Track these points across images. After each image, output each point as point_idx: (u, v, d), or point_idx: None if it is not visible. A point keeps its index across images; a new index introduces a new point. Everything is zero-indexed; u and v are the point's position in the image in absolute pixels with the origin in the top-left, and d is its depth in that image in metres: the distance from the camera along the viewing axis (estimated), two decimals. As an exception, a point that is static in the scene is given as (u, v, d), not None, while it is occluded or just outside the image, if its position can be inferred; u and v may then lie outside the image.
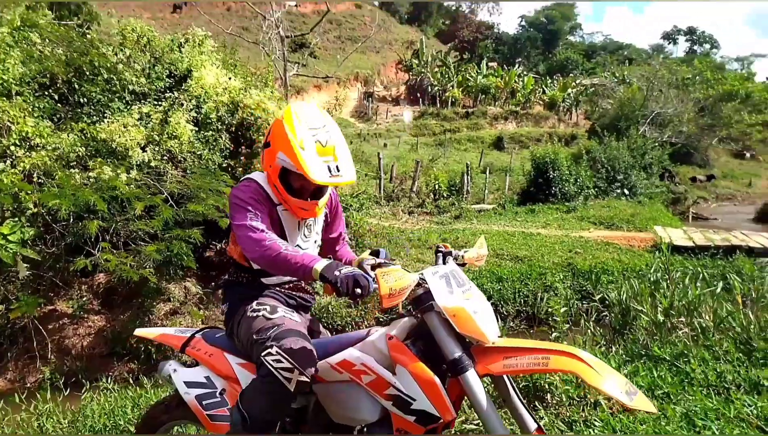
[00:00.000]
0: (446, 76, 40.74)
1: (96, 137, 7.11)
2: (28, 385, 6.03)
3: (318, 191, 2.30)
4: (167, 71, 8.80)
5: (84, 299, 7.07)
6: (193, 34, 9.81)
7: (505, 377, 1.96)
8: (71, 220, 6.22)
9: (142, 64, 8.59)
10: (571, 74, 46.45)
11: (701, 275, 6.39)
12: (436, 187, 16.39)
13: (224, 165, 8.19)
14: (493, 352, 1.89)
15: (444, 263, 2.23)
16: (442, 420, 1.88)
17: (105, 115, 7.85)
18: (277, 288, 2.37)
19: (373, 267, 1.93)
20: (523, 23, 66.68)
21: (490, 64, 46.69)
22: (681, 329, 4.99)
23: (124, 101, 8.23)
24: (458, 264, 2.28)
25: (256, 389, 2.02)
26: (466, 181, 16.73)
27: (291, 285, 2.39)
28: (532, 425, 1.92)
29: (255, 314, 2.18)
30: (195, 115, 8.22)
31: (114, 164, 6.63)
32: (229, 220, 2.51)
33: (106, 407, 4.54)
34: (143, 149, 7.33)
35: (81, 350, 6.58)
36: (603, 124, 24.05)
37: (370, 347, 2.03)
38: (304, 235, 2.37)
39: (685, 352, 4.43)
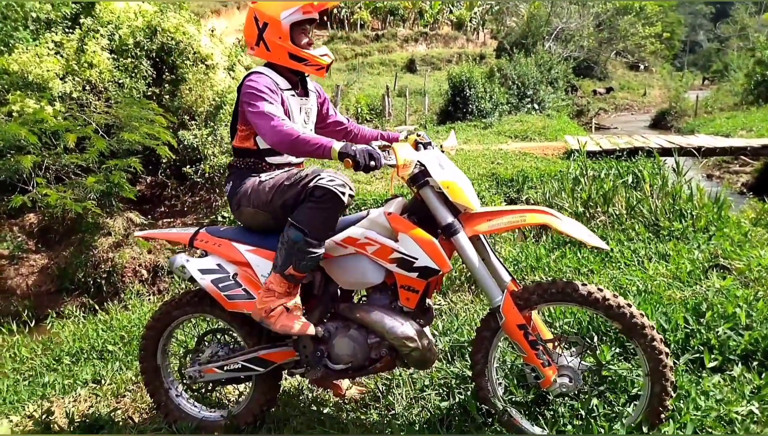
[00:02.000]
0: (353, -3, 39.65)
1: (8, 70, 6.68)
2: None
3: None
4: (72, -4, 8.24)
5: (19, 239, 6.84)
6: (94, -46, 9.13)
7: (482, 239, 2.33)
8: (-3, 157, 5.95)
9: (42, -11, 7.97)
10: (476, -7, 46.51)
11: (613, 171, 7.12)
12: (359, 110, 16.48)
13: (149, 93, 7.93)
14: (478, 217, 2.26)
15: (425, 149, 2.52)
16: (441, 272, 2.24)
17: (10, 45, 7.33)
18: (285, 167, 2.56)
19: (381, 148, 2.20)
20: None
21: (396, -17, 45.80)
22: (599, 217, 5.65)
23: (29, 30, 7.69)
24: None
25: (311, 209, 2.25)
26: (387, 103, 16.91)
27: (293, 166, 2.60)
28: (507, 277, 2.33)
29: (270, 177, 2.43)
30: (110, 42, 7.83)
31: (35, 97, 6.30)
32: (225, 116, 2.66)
33: (77, 332, 4.64)
34: (62, 80, 6.97)
35: (27, 289, 6.46)
36: (510, 41, 24.68)
37: (371, 223, 2.34)
38: (304, 121, 2.60)
39: (604, 236, 5.09)
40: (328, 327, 2.42)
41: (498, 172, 9.92)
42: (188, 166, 8.00)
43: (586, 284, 2.16)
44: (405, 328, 2.27)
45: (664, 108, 25.24)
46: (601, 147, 10.96)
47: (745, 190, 10.85)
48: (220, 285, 2.47)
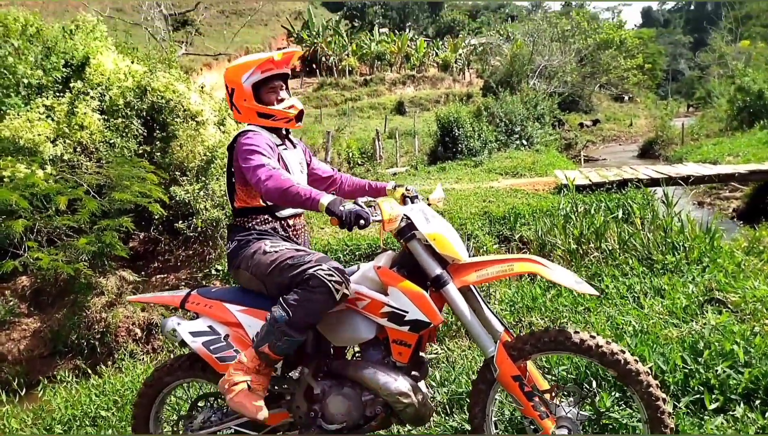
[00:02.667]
0: (340, 44, 40.58)
1: (0, 136, 6.74)
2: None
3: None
4: (63, 61, 8.39)
5: (11, 303, 6.78)
6: (83, 19, 9.35)
7: (474, 290, 2.33)
8: (-12, 223, 5.94)
9: (34, 56, 8.12)
10: (459, 35, 47.69)
11: (603, 205, 7.17)
12: (350, 155, 16.66)
13: (140, 152, 7.99)
14: (466, 267, 2.26)
15: (412, 203, 2.59)
16: (432, 324, 2.23)
17: (1, 112, 7.42)
18: (283, 222, 2.58)
19: (367, 203, 2.21)
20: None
21: (381, 30, 46.95)
22: (592, 254, 5.65)
23: (20, 96, 7.80)
24: None
25: (302, 296, 2.24)
26: (377, 146, 17.11)
27: (294, 223, 2.62)
28: (500, 327, 2.31)
29: (275, 249, 2.40)
30: (100, 103, 7.94)
31: (26, 162, 6.34)
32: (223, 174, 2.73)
33: (70, 399, 4.54)
34: (53, 143, 7.03)
35: (18, 354, 6.36)
36: (496, 80, 25.17)
37: (361, 277, 2.36)
38: (300, 171, 2.66)
39: (598, 272, 5.09)
40: (322, 386, 2.38)
41: (490, 210, 9.95)
42: (180, 222, 8.00)
43: (578, 332, 2.15)
44: (399, 384, 2.24)
45: (651, 137, 25.64)
46: (590, 180, 11.06)
47: (735, 217, 10.93)
48: (211, 347, 2.44)
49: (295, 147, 2.71)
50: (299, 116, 2.61)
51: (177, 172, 8.18)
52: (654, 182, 10.07)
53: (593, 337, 2.13)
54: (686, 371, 2.72)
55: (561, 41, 28.55)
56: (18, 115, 7.06)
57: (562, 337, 2.15)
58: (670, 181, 9.88)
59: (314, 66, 40.60)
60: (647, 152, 24.32)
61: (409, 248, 2.29)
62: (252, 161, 2.36)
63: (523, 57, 26.06)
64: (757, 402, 2.50)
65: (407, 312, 2.21)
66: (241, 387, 2.27)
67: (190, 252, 8.38)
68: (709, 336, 2.98)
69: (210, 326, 2.49)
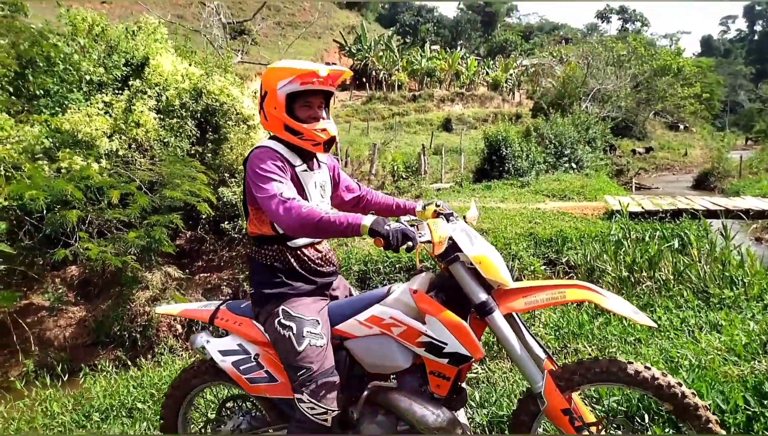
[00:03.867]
0: (391, 60, 40.94)
1: (60, 128, 7.00)
2: (12, 379, 5.96)
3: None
4: (123, 60, 8.69)
5: (60, 291, 6.99)
6: (146, 21, 9.68)
7: (516, 316, 2.19)
8: (45, 212, 6.14)
9: (97, 54, 8.45)
10: (511, 55, 47.51)
11: (658, 233, 6.90)
12: (395, 168, 16.63)
13: (192, 151, 8.18)
14: (513, 293, 2.12)
15: (449, 222, 2.39)
16: (473, 359, 2.10)
17: (64, 106, 7.72)
18: (298, 253, 2.36)
19: (410, 223, 2.06)
20: (462, 6, 67.51)
21: (433, 47, 47.26)
22: (644, 283, 5.42)
23: (82, 92, 8.10)
24: None
25: (299, 429, 2.19)
26: (423, 161, 17.06)
27: (309, 254, 2.38)
28: (542, 355, 2.18)
29: (284, 333, 2.23)
30: (157, 103, 8.17)
31: (83, 155, 6.56)
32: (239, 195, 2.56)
33: (108, 388, 4.62)
34: (109, 138, 7.26)
35: (63, 341, 6.54)
36: (547, 101, 24.83)
37: (396, 301, 2.21)
38: (321, 195, 2.41)
39: (650, 302, 4.86)
40: (355, 412, 2.27)
41: (536, 232, 9.73)
42: (226, 222, 8.12)
43: (632, 363, 2.01)
44: (437, 418, 2.13)
45: (707, 168, 24.72)
46: (643, 208, 10.69)
47: (797, 255, 10.36)
48: (241, 368, 2.37)
49: (319, 167, 2.45)
50: (329, 142, 2.29)
51: (226, 174, 8.34)
52: (710, 214, 9.64)
53: (648, 368, 1.99)
54: (749, 412, 2.54)
55: (616, 66, 28.01)
56: (78, 109, 7.32)
57: (614, 368, 2.01)
58: (728, 213, 9.44)
59: (364, 79, 41.05)
60: (702, 184, 23.45)
61: (450, 271, 2.15)
62: (265, 191, 2.11)
63: (577, 79, 25.66)
64: (828, 453, 2.31)
65: (446, 344, 2.08)
66: None
67: (234, 253, 8.47)
68: (776, 377, 2.79)
69: (239, 345, 2.41)
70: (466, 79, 41.04)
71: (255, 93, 10.02)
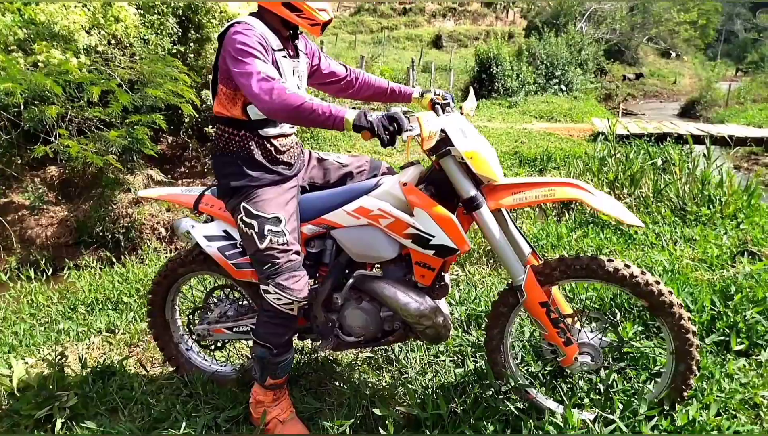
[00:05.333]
0: (382, -32, 39.10)
1: (35, 19, 6.64)
2: (-5, 273, 5.99)
3: None
4: (100, -51, 8.16)
5: (40, 191, 6.90)
6: None
7: (504, 211, 2.20)
8: (22, 107, 5.95)
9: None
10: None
11: (642, 152, 6.94)
12: (384, 81, 16.27)
13: (174, 51, 7.86)
14: (502, 189, 2.11)
15: (444, 113, 2.35)
16: (458, 251, 2.12)
17: (38, -5, 7.30)
18: (266, 143, 2.27)
19: (404, 114, 1.97)
20: None
21: (427, -44, 45.01)
22: (624, 199, 5.52)
23: (56, -19, 7.64)
24: None
25: (265, 323, 2.24)
26: (411, 77, 16.69)
27: (279, 144, 2.29)
28: (527, 250, 2.23)
29: (246, 230, 2.20)
30: (137, -3, 7.77)
31: (61, 48, 6.27)
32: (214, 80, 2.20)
33: (93, 283, 4.67)
34: (88, 33, 6.92)
35: (45, 240, 6.53)
36: (542, 20, 24.15)
37: (384, 193, 2.18)
38: (297, 85, 2.30)
39: (632, 217, 4.97)
40: (341, 297, 2.32)
41: (521, 151, 9.78)
42: (210, 127, 7.96)
43: (612, 260, 2.06)
44: (420, 305, 2.17)
45: (694, 97, 24.59)
46: (629, 131, 10.75)
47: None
48: (227, 253, 2.36)
49: (298, 56, 2.31)
50: (325, 25, 2.18)
51: (209, 76, 8.05)
52: (695, 140, 9.69)
53: (627, 266, 2.04)
54: (714, 312, 2.67)
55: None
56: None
57: (594, 264, 2.05)
58: (712, 139, 9.52)
59: (353, -12, 39.30)
60: (688, 112, 23.39)
61: (441, 165, 2.12)
62: (246, 66, 1.97)
63: (573, -3, 24.88)
64: (783, 350, 2.46)
65: (433, 236, 2.08)
66: (274, 424, 2.32)
67: (217, 159, 8.39)
68: (742, 282, 2.92)
69: (225, 231, 2.40)
70: (460, -8, 39.54)
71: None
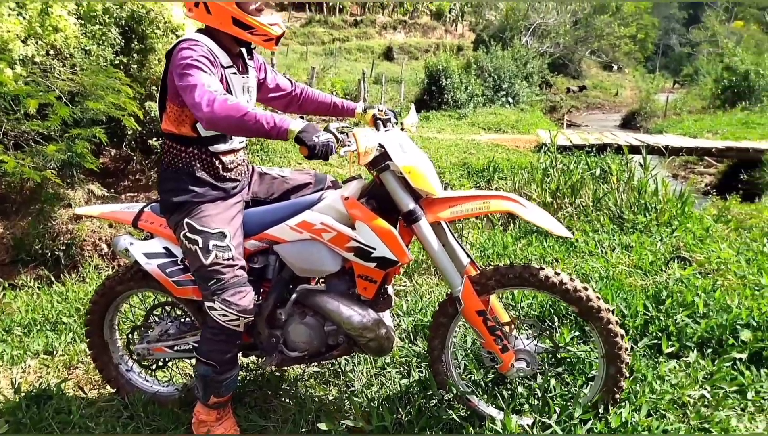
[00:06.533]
0: (332, -19, 39.25)
1: (-35, 29, 6.37)
2: None
3: None
4: (36, -44, 7.91)
5: (-27, 207, 6.59)
6: None
7: (443, 224, 2.25)
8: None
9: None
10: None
11: (582, 163, 7.21)
12: (334, 94, 16.31)
13: (116, 62, 7.66)
14: (440, 202, 2.17)
15: (384, 128, 2.39)
16: (399, 263, 2.16)
17: (-32, 4, 7.00)
18: (215, 160, 2.25)
19: (340, 130, 2.01)
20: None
21: (377, -30, 45.50)
22: (566, 208, 5.71)
23: (-11, -11, 7.36)
24: None
25: (209, 340, 2.22)
26: (362, 88, 16.78)
27: (227, 161, 2.28)
28: (465, 260, 2.29)
29: (190, 246, 2.17)
30: (77, 7, 7.55)
31: (-6, 59, 6.02)
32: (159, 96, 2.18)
33: (31, 303, 4.48)
34: (24, 43, 6.67)
35: (-21, 258, 6.24)
36: (489, 34, 24.76)
37: (327, 207, 2.21)
38: (247, 100, 2.31)
39: (570, 226, 5.14)
40: (284, 313, 2.32)
41: (470, 162, 9.97)
42: (154, 139, 7.79)
43: (543, 268, 2.13)
44: (363, 318, 2.20)
45: (635, 108, 25.73)
46: (571, 142, 11.12)
47: (708, 191, 11.13)
48: (167, 270, 2.32)
49: (247, 72, 2.31)
50: (278, 39, 2.19)
51: (153, 88, 7.90)
52: (633, 150, 10.16)
53: (558, 274, 2.12)
54: (647, 317, 2.79)
55: (558, 1, 28.10)
56: (-14, 9, 6.67)
57: (526, 273, 2.12)
58: (649, 149, 9.96)
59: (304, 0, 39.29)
60: (629, 123, 24.45)
61: (381, 180, 2.16)
62: (190, 78, 1.95)
63: (519, 12, 25.61)
64: (709, 351, 2.59)
65: (375, 249, 2.12)
66: None
67: (163, 173, 8.21)
68: (673, 287, 3.06)
69: (165, 248, 2.36)
70: (410, 6, 40.05)
71: None
